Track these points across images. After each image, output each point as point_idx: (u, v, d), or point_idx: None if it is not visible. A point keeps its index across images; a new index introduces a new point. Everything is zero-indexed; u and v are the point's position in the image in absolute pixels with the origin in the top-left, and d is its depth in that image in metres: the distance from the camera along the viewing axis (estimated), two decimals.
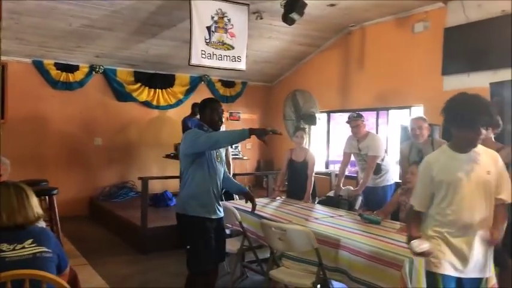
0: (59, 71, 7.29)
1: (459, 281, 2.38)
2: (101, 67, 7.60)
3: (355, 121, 4.70)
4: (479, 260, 2.37)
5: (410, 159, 4.17)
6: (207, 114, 3.22)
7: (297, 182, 4.83)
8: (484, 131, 2.96)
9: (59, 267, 2.19)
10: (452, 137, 2.40)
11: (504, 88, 4.58)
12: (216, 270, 3.28)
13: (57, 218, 5.08)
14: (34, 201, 2.24)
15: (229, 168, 5.73)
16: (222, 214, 3.26)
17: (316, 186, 4.91)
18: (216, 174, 3.18)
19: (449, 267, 2.36)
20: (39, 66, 7.15)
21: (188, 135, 3.11)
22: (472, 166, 2.32)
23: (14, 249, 2.02)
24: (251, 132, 2.91)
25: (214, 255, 3.13)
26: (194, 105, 7.53)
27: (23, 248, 2.05)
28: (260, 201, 4.74)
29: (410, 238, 2.40)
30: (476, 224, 2.33)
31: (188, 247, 3.07)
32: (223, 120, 3.33)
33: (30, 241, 2.08)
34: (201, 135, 3.02)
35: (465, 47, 5.58)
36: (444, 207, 2.35)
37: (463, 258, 2.35)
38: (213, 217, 3.15)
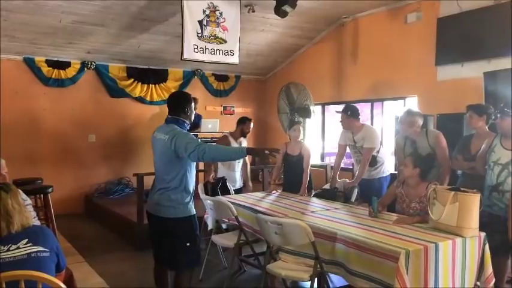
0: (51, 68, 7.22)
1: None
2: (93, 63, 7.53)
3: (341, 115, 4.69)
4: None
5: (405, 151, 4.17)
6: (186, 110, 3.12)
7: (293, 175, 4.82)
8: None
9: (58, 266, 2.16)
10: None
11: (498, 78, 4.58)
12: None
13: (53, 216, 5.07)
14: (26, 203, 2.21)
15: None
16: None
17: (312, 179, 4.90)
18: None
19: None
20: (30, 63, 7.07)
21: (183, 138, 2.94)
22: None
23: (8, 250, 1.99)
24: (248, 151, 2.93)
25: None
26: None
27: (18, 248, 2.02)
28: (256, 195, 4.74)
29: None
30: None
31: (188, 244, 3.05)
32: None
33: (25, 241, 2.05)
34: (194, 144, 2.88)
35: (458, 37, 5.58)
36: None
37: None
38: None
